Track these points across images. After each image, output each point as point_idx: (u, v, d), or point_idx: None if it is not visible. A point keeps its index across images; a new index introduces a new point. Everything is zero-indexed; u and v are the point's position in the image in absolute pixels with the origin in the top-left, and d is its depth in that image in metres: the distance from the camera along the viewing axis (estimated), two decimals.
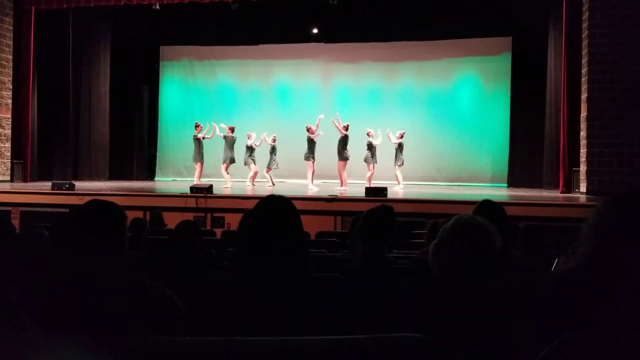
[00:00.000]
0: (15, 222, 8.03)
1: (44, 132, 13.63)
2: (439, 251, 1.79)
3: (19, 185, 11.44)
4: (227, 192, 10.42)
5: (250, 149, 12.37)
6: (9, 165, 12.36)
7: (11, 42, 12.44)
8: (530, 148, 13.44)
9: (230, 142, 12.10)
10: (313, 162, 11.45)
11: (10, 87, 12.47)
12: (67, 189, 9.70)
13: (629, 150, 9.43)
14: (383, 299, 1.82)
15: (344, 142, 11.20)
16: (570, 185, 10.76)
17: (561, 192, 10.78)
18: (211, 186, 9.43)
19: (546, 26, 12.50)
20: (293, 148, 13.30)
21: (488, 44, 14.37)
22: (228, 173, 11.97)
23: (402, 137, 11.93)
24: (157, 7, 12.52)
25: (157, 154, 15.79)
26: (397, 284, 1.87)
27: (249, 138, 12.42)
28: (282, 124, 14.91)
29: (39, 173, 13.31)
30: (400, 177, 11.94)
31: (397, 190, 11.13)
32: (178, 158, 15.04)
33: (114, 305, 1.67)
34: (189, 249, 3.44)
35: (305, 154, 11.50)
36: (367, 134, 11.70)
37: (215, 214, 8.81)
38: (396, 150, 11.87)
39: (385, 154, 12.09)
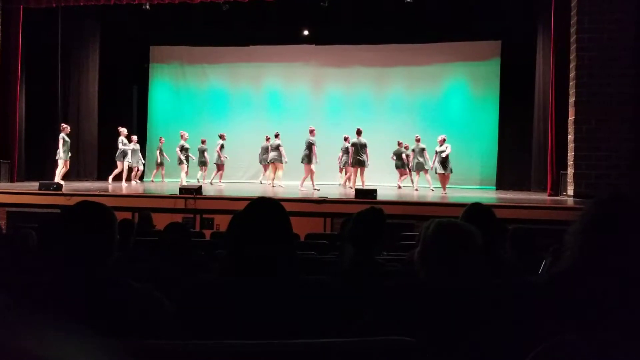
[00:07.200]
0: (2, 223, 7.96)
1: (32, 132, 13.52)
2: (424, 257, 1.80)
3: (6, 185, 11.33)
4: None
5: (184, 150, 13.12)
6: None
7: None
8: (519, 151, 13.54)
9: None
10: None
11: None
12: (55, 189, 9.62)
13: (615, 153, 9.52)
14: (372, 301, 1.83)
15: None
16: (557, 188, 10.86)
17: (549, 195, 10.87)
18: (200, 187, 9.40)
19: (535, 31, 12.61)
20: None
21: (478, 48, 14.47)
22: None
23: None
24: (147, 6, 12.47)
25: (146, 155, 15.69)
26: (387, 286, 1.87)
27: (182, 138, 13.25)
28: (272, 127, 14.93)
29: (26, 173, 13.21)
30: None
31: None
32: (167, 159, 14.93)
33: (102, 307, 1.66)
34: (178, 250, 3.43)
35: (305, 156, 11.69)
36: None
37: (205, 215, 8.78)
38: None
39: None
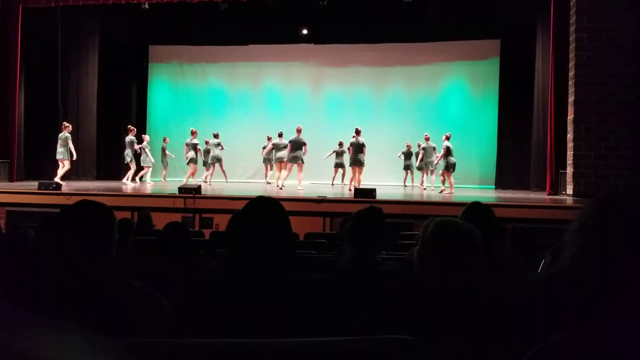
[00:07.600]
0: (1, 222, 7.96)
1: (31, 131, 13.50)
2: (423, 256, 1.80)
3: (5, 185, 11.31)
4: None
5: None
6: None
7: None
8: (518, 150, 13.55)
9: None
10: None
11: None
12: (54, 188, 9.62)
13: (614, 152, 9.53)
14: (371, 300, 1.83)
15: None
16: (557, 187, 10.86)
17: (548, 194, 10.87)
18: (199, 187, 9.40)
19: (534, 29, 12.61)
20: None
21: (477, 47, 14.47)
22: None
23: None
24: (146, 6, 12.46)
25: None
26: (386, 285, 1.87)
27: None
28: (271, 126, 14.95)
29: (25, 172, 13.19)
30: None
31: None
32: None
33: (101, 307, 1.66)
34: (177, 250, 3.42)
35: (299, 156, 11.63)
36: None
37: (204, 215, 8.77)
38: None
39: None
